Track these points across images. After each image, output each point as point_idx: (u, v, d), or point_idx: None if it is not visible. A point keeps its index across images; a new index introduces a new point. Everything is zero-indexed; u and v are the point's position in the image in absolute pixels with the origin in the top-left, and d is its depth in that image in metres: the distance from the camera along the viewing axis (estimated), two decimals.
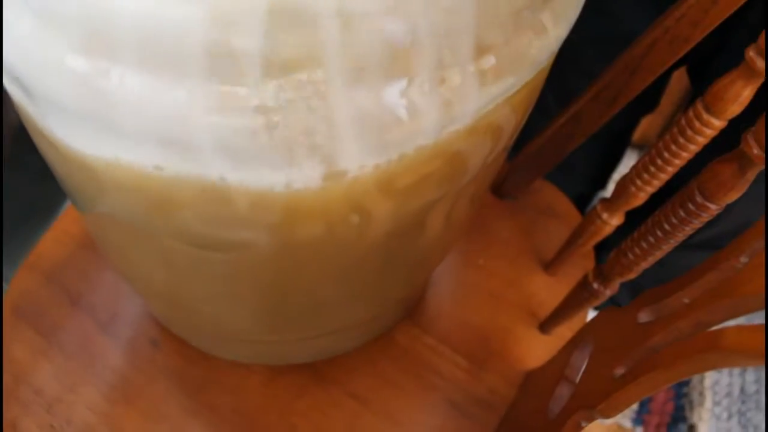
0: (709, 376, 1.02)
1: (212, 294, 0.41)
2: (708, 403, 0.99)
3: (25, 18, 0.25)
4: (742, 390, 1.01)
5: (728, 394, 1.00)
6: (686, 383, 1.02)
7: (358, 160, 0.25)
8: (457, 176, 0.31)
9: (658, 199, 0.46)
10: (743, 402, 1.00)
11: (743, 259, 0.31)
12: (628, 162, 1.10)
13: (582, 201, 0.94)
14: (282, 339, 0.50)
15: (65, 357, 0.53)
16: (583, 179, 0.90)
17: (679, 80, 0.89)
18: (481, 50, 0.24)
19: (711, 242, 0.73)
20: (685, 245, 0.47)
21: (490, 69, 0.25)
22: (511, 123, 0.30)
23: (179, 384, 0.53)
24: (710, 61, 0.65)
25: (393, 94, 0.23)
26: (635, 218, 0.50)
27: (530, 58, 0.26)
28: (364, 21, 0.21)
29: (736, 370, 1.03)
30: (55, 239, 0.58)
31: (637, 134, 1.10)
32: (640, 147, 1.17)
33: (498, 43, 0.24)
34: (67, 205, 0.71)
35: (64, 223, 0.59)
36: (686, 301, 0.35)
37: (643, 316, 0.37)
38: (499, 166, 0.39)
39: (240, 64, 0.22)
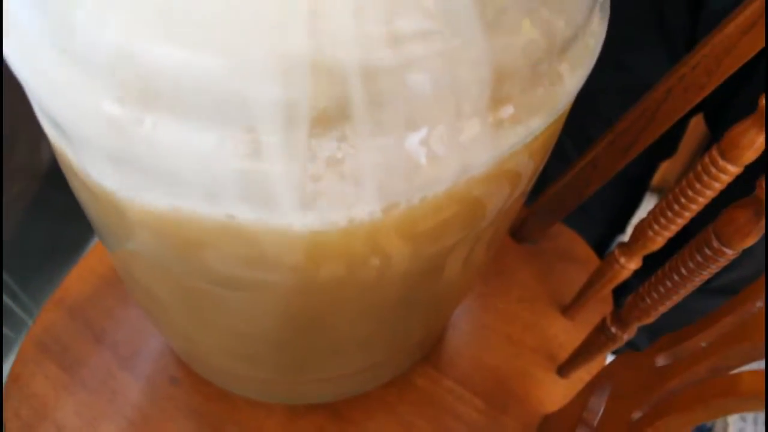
0: (733, 424, 1.01)
1: (232, 332, 0.42)
2: None
3: (64, 64, 0.26)
4: None
5: None
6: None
7: (380, 204, 0.26)
8: (476, 221, 0.31)
9: (675, 243, 0.46)
10: None
11: (759, 304, 0.32)
12: (646, 206, 1.11)
13: (601, 245, 0.95)
14: (300, 379, 0.50)
15: (87, 392, 0.54)
16: (602, 223, 0.90)
17: (697, 126, 0.90)
18: (498, 101, 0.25)
19: (729, 287, 0.73)
20: (703, 290, 0.47)
21: (507, 118, 0.26)
22: (528, 169, 0.31)
23: (198, 422, 0.54)
24: (726, 108, 0.66)
25: (414, 142, 0.24)
26: (652, 262, 0.50)
27: (547, 108, 0.27)
28: (386, 74, 0.22)
29: (761, 420, 1.01)
30: (80, 276, 0.60)
31: (656, 178, 1.10)
32: (659, 191, 1.17)
33: (515, 93, 0.25)
34: (93, 243, 0.72)
35: (90, 261, 0.60)
36: (704, 345, 0.35)
37: (661, 360, 0.38)
38: (517, 211, 0.39)
39: (269, 114, 0.23)
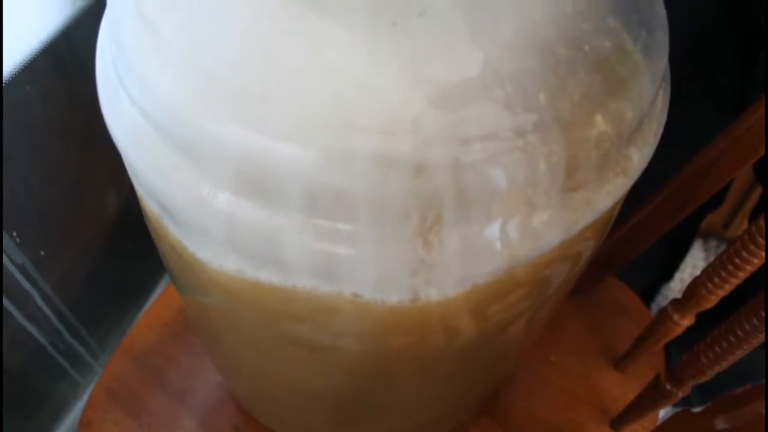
0: None
1: (297, 384, 0.43)
2: None
3: (170, 149, 0.28)
4: None
5: None
6: None
7: (456, 286, 0.28)
8: (540, 294, 0.33)
9: (729, 298, 0.47)
10: None
11: None
12: (692, 251, 1.11)
13: (648, 292, 0.95)
14: None
15: None
16: (649, 271, 0.91)
17: (744, 171, 0.90)
18: (570, 189, 0.27)
19: None
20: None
21: (577, 203, 0.27)
22: (591, 244, 0.32)
23: None
24: None
25: (493, 231, 0.26)
26: (705, 316, 0.51)
27: (615, 189, 0.28)
28: (473, 171, 0.24)
29: None
30: (147, 325, 0.62)
31: (702, 223, 1.10)
32: (705, 235, 1.17)
33: (586, 180, 0.27)
34: (158, 292, 0.75)
35: (156, 309, 0.63)
36: (762, 411, 0.36)
37: (720, 423, 0.38)
38: (578, 276, 0.41)
39: (364, 205, 0.25)
